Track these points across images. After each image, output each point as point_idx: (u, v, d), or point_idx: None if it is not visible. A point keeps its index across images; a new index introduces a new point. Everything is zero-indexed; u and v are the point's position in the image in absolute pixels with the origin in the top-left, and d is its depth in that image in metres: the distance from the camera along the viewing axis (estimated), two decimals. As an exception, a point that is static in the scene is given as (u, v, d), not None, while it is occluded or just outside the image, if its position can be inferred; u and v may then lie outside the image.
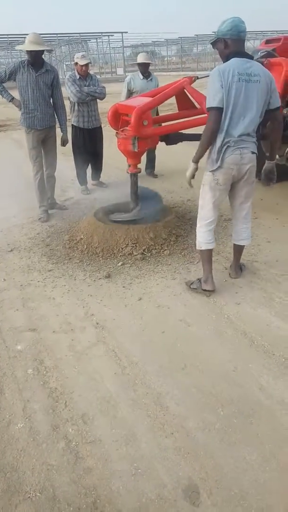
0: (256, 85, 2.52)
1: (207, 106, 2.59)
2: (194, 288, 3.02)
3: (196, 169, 2.79)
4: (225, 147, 2.62)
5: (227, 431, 1.93)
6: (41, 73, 4.21)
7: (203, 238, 2.94)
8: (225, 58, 2.62)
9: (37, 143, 4.43)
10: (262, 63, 3.95)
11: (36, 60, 4.15)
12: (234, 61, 2.54)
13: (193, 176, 2.82)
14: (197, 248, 3.03)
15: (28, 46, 4.06)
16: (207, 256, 2.97)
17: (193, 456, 1.82)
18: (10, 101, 4.32)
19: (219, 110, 2.53)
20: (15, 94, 4.38)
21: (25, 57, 4.22)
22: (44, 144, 4.50)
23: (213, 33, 2.76)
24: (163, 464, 1.79)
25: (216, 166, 2.68)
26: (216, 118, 2.55)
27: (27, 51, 4.08)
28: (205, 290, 2.96)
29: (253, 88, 2.52)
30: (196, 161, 2.74)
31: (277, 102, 2.66)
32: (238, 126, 2.58)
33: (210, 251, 2.96)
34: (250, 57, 2.60)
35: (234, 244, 3.12)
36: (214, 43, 2.69)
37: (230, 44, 2.58)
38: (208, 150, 2.72)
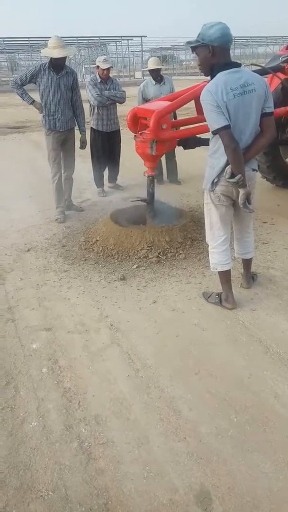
0: (253, 95, 2.38)
1: (213, 130, 2.42)
2: (212, 302, 2.93)
3: (248, 191, 2.50)
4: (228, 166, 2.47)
5: (241, 438, 1.91)
6: (62, 76, 4.28)
7: (217, 260, 2.79)
8: (209, 68, 2.43)
9: (57, 145, 4.49)
10: (283, 68, 3.95)
11: (59, 63, 4.22)
12: (222, 76, 2.35)
13: (248, 201, 2.54)
14: (212, 269, 2.88)
15: (55, 52, 4.13)
16: (225, 276, 2.84)
17: (205, 462, 1.81)
18: (31, 103, 4.40)
19: (227, 128, 2.35)
20: (35, 96, 4.45)
21: (46, 59, 4.29)
22: (63, 146, 4.56)
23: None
24: (175, 468, 1.79)
25: (216, 185, 2.58)
26: (230, 135, 2.36)
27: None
28: (225, 307, 2.87)
29: (250, 99, 2.38)
30: (244, 184, 2.45)
31: (271, 106, 2.50)
32: (241, 142, 2.43)
33: (228, 271, 2.82)
34: (238, 65, 2.42)
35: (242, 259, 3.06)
36: (195, 48, 2.42)
37: (218, 53, 2.36)
38: (209, 167, 2.60)
